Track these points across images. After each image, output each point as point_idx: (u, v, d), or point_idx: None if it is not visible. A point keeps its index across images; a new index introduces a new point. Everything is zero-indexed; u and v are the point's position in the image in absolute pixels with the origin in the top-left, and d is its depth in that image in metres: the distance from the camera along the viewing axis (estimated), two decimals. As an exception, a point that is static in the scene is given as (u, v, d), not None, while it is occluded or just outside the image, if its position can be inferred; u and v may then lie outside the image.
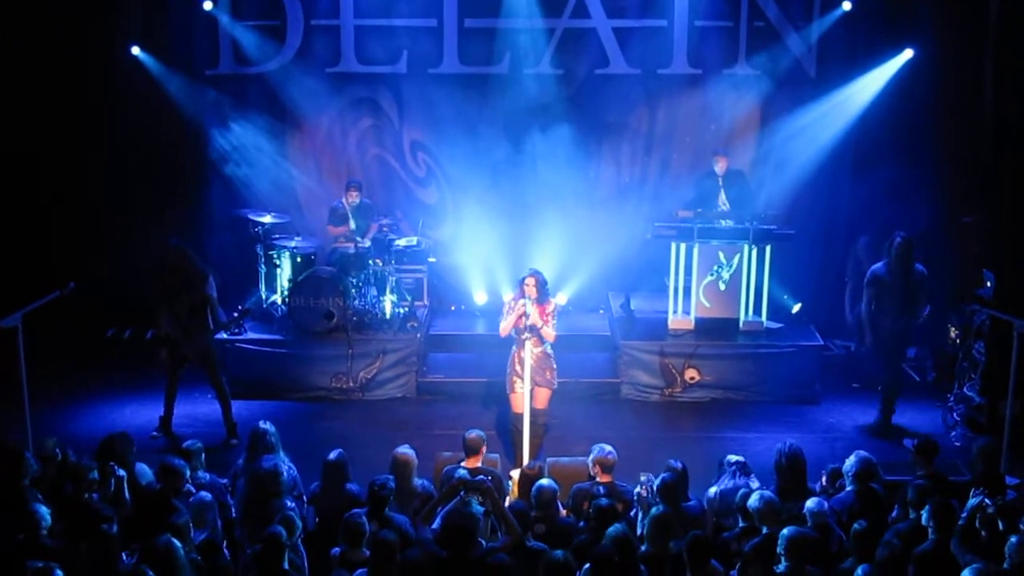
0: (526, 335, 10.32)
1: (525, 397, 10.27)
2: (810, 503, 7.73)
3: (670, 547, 7.27)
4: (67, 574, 6.71)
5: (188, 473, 8.36)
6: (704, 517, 8.30)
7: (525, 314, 10.28)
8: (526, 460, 9.93)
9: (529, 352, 10.26)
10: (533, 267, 10.75)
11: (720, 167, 13.54)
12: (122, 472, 8.26)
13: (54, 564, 6.70)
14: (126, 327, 14.13)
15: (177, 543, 6.88)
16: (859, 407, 12.29)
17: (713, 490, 8.53)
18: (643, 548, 7.42)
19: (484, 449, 9.01)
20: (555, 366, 10.62)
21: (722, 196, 13.53)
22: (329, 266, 13.37)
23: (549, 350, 10.56)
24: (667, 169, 14.89)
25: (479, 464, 8.85)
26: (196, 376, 11.66)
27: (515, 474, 9.36)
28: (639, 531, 7.81)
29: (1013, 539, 7.10)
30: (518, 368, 10.43)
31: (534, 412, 10.34)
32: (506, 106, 14.70)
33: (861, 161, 14.19)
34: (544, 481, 8.29)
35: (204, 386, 11.81)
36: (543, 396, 10.55)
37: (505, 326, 10.45)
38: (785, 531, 7.13)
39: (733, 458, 8.65)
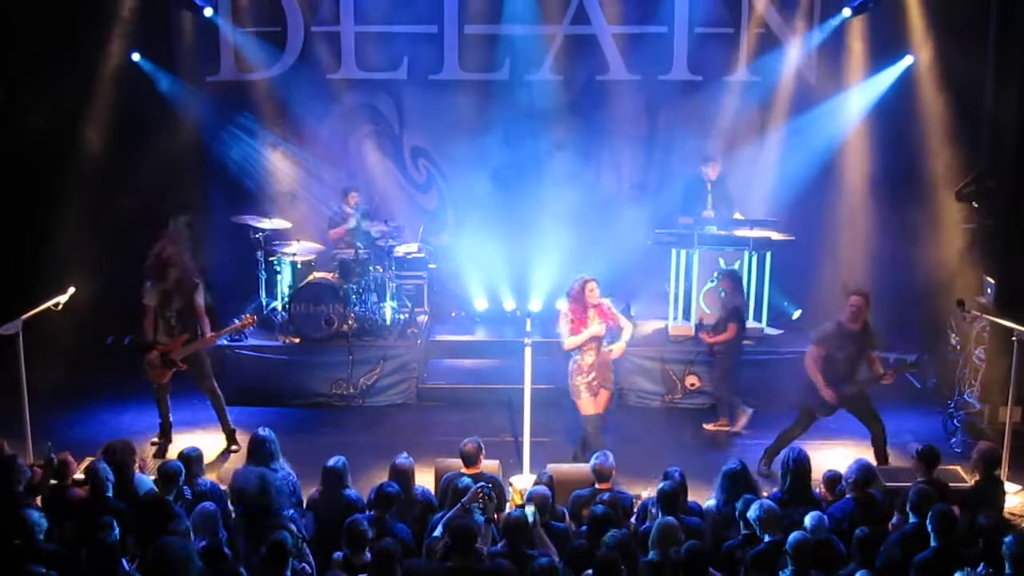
0: (590, 345, 10.35)
1: (526, 398, 10.27)
2: (808, 520, 7.67)
3: (671, 555, 7.26)
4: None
5: (183, 477, 8.34)
6: (704, 526, 8.26)
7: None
8: (526, 463, 9.95)
9: (594, 358, 10.37)
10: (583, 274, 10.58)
11: (712, 173, 13.54)
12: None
13: (55, 573, 6.69)
14: (126, 333, 14.13)
15: (186, 543, 6.87)
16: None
17: (712, 502, 8.50)
18: (648, 556, 7.41)
19: (483, 456, 9.00)
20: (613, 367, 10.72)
21: (709, 201, 13.53)
22: (329, 272, 13.36)
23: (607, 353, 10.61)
24: (667, 175, 14.89)
25: (479, 471, 8.84)
26: (194, 383, 11.63)
27: (515, 481, 9.34)
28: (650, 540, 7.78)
29: (1009, 538, 7.13)
30: (588, 375, 10.42)
31: (596, 416, 10.39)
32: (506, 112, 14.72)
33: (860, 167, 14.20)
34: (536, 487, 8.29)
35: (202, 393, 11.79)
36: (605, 398, 10.57)
37: (574, 342, 10.34)
38: (792, 536, 7.14)
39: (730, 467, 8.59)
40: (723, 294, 12.04)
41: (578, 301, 10.30)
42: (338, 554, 7.54)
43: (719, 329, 11.98)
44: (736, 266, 12.77)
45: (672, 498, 8.02)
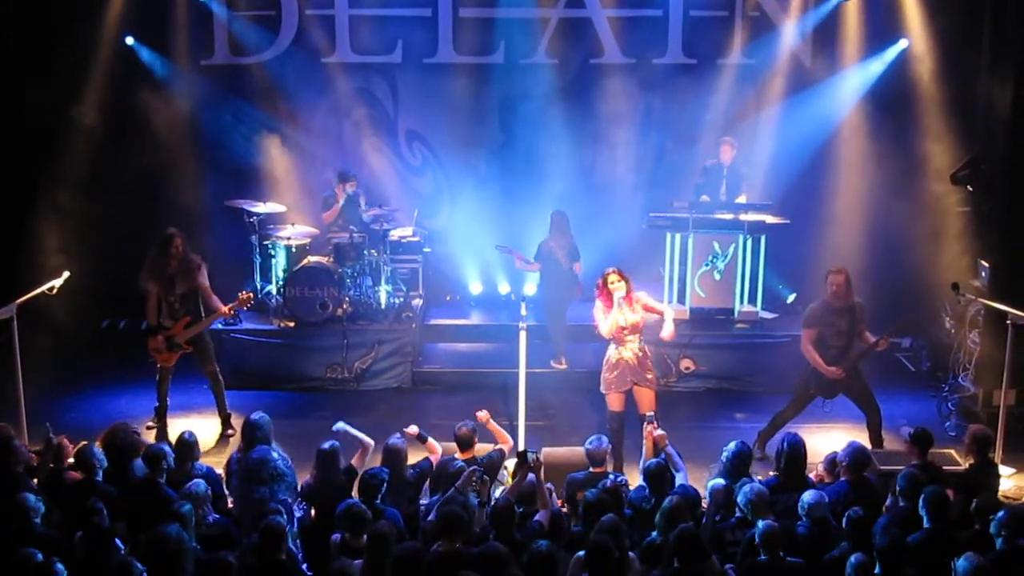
0: (627, 335, 10.21)
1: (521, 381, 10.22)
2: (808, 496, 7.71)
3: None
4: (65, 563, 6.71)
5: (171, 458, 8.35)
6: (686, 506, 8.25)
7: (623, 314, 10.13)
8: (521, 447, 9.94)
9: (631, 352, 10.23)
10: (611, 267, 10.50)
11: (726, 156, 13.54)
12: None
13: (55, 558, 6.71)
14: (121, 318, 14.12)
15: (182, 531, 6.88)
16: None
17: (717, 482, 8.52)
18: (652, 536, 7.45)
19: (477, 440, 9.02)
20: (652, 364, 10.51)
21: (724, 187, 13.55)
22: (324, 256, 13.35)
23: (648, 349, 10.42)
24: (662, 159, 14.89)
25: (473, 455, 8.87)
26: (191, 366, 11.64)
27: (510, 464, 9.36)
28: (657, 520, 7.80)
29: (1000, 514, 7.19)
30: (614, 371, 10.30)
31: (616, 414, 10.33)
32: (501, 96, 14.74)
33: (855, 150, 14.20)
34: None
35: (199, 376, 11.80)
36: (648, 397, 10.28)
37: (609, 328, 10.20)
38: (760, 525, 7.18)
39: (731, 447, 8.62)
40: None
41: (602, 291, 10.27)
42: (336, 536, 7.56)
43: (530, 262, 13.03)
44: (731, 250, 12.80)
45: (659, 476, 8.13)
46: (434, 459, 8.97)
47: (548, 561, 6.72)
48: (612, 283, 10.18)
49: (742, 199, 13.50)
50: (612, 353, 10.36)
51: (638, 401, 10.28)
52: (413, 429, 9.18)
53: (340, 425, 9.01)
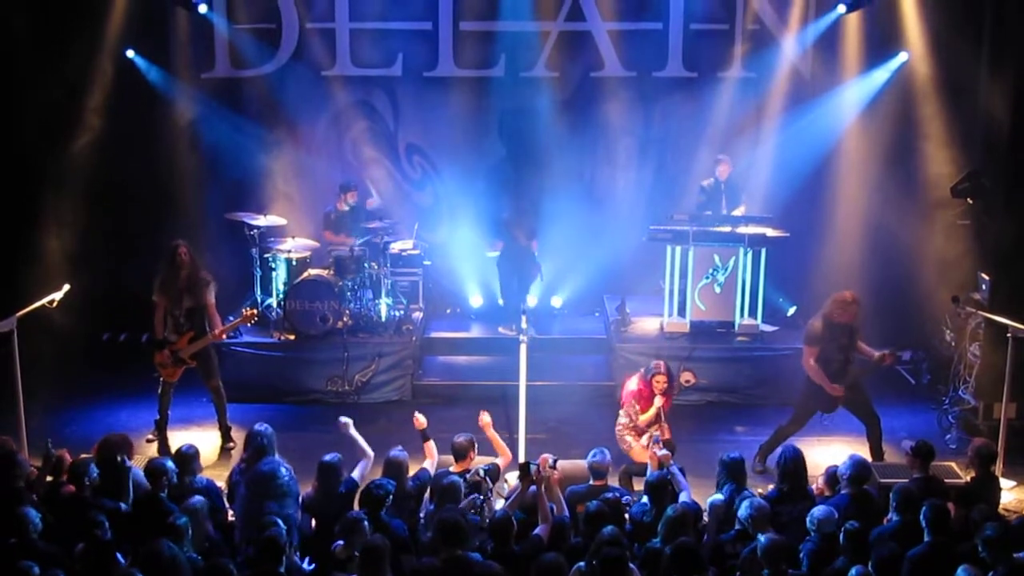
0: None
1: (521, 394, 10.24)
2: (818, 511, 7.71)
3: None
4: (65, 576, 6.72)
5: (174, 473, 8.33)
6: (690, 516, 8.25)
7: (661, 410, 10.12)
8: (521, 460, 9.93)
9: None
10: (660, 360, 10.46)
11: (723, 173, 13.56)
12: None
13: (58, 570, 6.69)
14: (121, 331, 14.11)
15: (173, 546, 6.86)
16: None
17: (716, 497, 8.51)
18: (653, 542, 7.44)
19: (474, 452, 9.01)
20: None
21: (724, 202, 13.57)
22: (324, 269, 13.35)
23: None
24: (662, 172, 14.91)
25: (469, 467, 8.86)
26: (191, 379, 11.63)
27: (511, 478, 9.36)
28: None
29: (989, 531, 7.20)
30: (637, 435, 10.27)
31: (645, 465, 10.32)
32: (501, 109, 14.75)
33: (856, 163, 14.21)
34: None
35: (199, 389, 11.79)
36: (665, 430, 10.22)
37: (647, 420, 10.19)
38: (761, 539, 7.18)
39: (728, 458, 8.63)
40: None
41: (647, 384, 10.23)
42: (337, 544, 7.53)
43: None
44: (731, 263, 12.79)
45: (660, 489, 8.14)
46: (429, 465, 8.96)
47: (556, 571, 6.73)
48: (657, 383, 10.14)
49: (740, 211, 13.52)
50: (626, 422, 10.35)
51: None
52: (422, 420, 9.16)
53: (345, 418, 8.98)
